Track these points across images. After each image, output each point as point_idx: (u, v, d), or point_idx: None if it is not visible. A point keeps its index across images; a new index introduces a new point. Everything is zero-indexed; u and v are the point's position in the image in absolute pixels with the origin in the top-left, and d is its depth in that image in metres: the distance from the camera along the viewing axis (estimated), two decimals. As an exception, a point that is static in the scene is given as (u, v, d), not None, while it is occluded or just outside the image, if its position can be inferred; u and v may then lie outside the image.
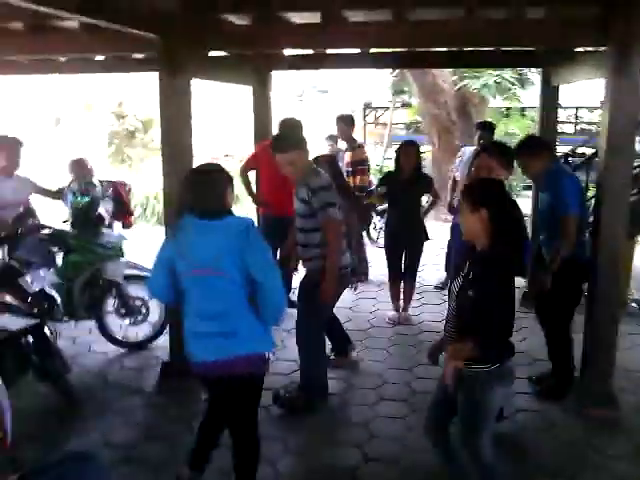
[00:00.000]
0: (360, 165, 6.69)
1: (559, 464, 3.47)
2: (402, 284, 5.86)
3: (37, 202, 5.77)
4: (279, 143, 3.89)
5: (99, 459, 2.45)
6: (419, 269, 5.97)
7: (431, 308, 6.08)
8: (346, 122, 6.88)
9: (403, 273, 5.81)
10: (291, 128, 5.31)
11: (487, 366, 2.57)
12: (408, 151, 5.62)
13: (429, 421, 2.93)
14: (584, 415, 3.96)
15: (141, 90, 15.46)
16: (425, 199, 6.38)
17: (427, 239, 5.83)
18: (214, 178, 2.74)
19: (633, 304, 6.11)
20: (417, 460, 3.47)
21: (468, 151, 6.42)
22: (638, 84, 3.69)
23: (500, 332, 2.53)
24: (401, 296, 5.88)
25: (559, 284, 3.97)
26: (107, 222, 5.16)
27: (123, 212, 5.90)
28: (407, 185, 5.55)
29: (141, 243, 7.82)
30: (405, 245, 5.72)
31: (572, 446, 3.66)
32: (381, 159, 13.98)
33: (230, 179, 2.79)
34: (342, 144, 7.57)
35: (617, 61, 3.63)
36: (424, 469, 3.37)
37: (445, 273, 6.67)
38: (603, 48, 3.91)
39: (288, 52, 6.31)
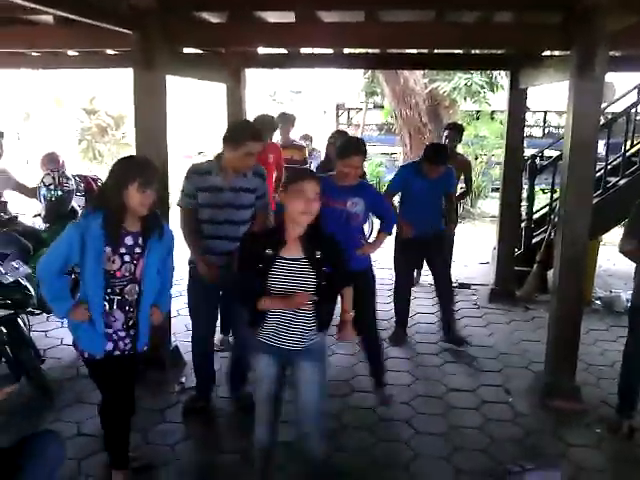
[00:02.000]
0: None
1: (524, 453, 3.57)
2: None
3: (9, 195, 5.71)
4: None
5: (57, 433, 2.57)
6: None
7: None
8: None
9: None
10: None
11: None
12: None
13: None
14: (549, 407, 4.08)
15: (113, 86, 15.35)
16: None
17: None
18: None
19: (597, 301, 6.31)
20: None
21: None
22: (600, 87, 3.82)
23: None
24: None
25: None
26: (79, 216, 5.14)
27: (95, 207, 5.90)
28: None
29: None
30: None
31: (537, 436, 3.78)
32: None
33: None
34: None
35: (580, 65, 3.75)
36: (392, 458, 3.48)
37: None
38: (568, 52, 4.04)
39: (262, 50, 6.37)
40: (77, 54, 6.21)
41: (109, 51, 6.03)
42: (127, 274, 2.84)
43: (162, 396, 4.14)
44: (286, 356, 2.79)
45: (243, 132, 3.59)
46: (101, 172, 10.59)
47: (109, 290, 2.82)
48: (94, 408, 3.90)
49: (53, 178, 5.01)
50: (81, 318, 2.81)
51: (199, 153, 12.52)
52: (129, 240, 2.83)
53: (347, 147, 3.86)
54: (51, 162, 5.37)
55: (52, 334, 5.17)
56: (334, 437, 3.57)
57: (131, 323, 2.93)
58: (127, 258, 2.83)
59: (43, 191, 5.02)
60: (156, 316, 3.04)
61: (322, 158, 6.96)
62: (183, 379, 4.31)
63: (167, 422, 3.83)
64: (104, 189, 2.89)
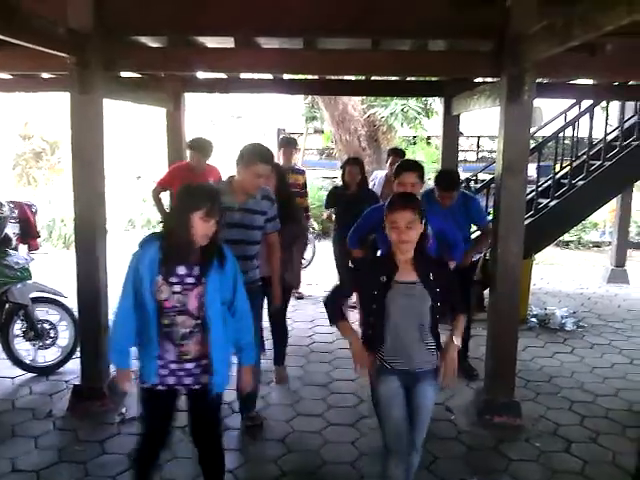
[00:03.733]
0: None
1: (467, 469, 3.63)
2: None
3: None
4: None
5: None
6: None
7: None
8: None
9: None
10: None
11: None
12: (352, 168, 5.87)
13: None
14: (489, 423, 4.16)
15: (47, 110, 14.97)
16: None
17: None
18: None
19: (532, 319, 6.52)
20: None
21: (379, 175, 6.73)
22: (529, 112, 4.00)
23: None
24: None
25: None
26: (13, 244, 4.99)
27: (29, 234, 5.74)
28: (353, 201, 5.74)
29: (47, 266, 7.58)
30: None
31: (478, 452, 3.85)
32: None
33: None
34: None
35: (509, 91, 3.90)
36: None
37: None
38: (498, 79, 4.22)
39: (202, 75, 6.38)
40: (11, 77, 6.06)
41: (44, 75, 5.92)
42: (178, 305, 2.69)
43: (102, 427, 4.02)
44: (408, 378, 2.84)
45: (253, 154, 3.67)
46: (36, 198, 10.33)
47: (159, 321, 2.70)
48: (30, 442, 3.81)
49: (-16, 205, 4.85)
50: (124, 383, 2.80)
51: (137, 177, 12.30)
52: (182, 270, 2.68)
53: (400, 165, 4.09)
54: (-17, 188, 5.20)
55: (-15, 367, 4.96)
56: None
57: (187, 358, 2.76)
58: (177, 288, 2.67)
59: (-25, 218, 4.85)
60: (246, 378, 2.93)
61: None
62: (123, 409, 4.20)
63: (108, 454, 3.71)
64: (169, 215, 2.80)
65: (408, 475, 2.94)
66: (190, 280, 2.69)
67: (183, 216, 2.63)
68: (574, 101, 7.20)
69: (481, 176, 9.14)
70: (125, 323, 2.73)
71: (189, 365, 2.77)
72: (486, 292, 4.87)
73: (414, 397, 2.87)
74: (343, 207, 5.75)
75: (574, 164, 7.29)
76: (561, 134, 7.43)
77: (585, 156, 7.24)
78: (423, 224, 2.78)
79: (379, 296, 2.77)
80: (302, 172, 7.09)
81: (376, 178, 6.75)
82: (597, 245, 11.66)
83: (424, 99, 10.24)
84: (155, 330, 2.68)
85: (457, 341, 2.89)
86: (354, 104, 10.39)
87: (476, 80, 5.84)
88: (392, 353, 2.81)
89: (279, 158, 6.96)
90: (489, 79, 5.36)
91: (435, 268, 2.85)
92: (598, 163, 7.14)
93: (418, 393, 2.86)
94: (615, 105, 8.17)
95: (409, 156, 12.49)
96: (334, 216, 6.43)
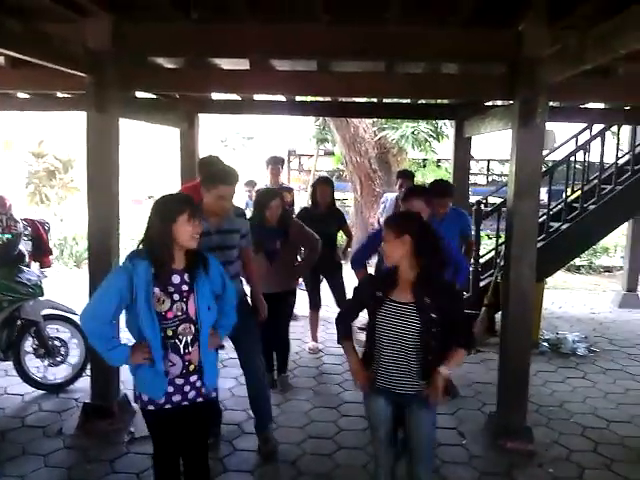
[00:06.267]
0: None
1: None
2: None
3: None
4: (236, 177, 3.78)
5: None
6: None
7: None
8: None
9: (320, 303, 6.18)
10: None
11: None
12: (323, 187, 5.92)
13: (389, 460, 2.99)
14: (501, 448, 4.11)
15: (61, 129, 15.16)
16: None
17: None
18: None
19: (544, 343, 6.46)
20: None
21: (390, 197, 6.73)
22: (542, 135, 4.00)
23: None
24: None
25: None
26: (26, 261, 5.02)
27: (42, 251, 5.78)
28: (323, 218, 5.81)
29: (59, 284, 7.62)
30: (324, 276, 6.04)
31: (491, 477, 3.80)
32: (306, 203, 14.21)
33: None
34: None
35: (522, 114, 3.92)
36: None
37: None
38: (510, 102, 4.24)
39: (216, 96, 6.45)
40: (27, 96, 6.15)
41: (60, 94, 6.00)
42: (179, 313, 2.73)
43: (112, 446, 4.00)
44: (398, 400, 2.83)
45: (215, 177, 3.60)
46: (48, 216, 10.41)
47: (162, 334, 2.71)
48: (40, 460, 3.80)
49: (0, 221, 4.90)
50: (142, 357, 2.71)
51: (149, 197, 12.39)
52: (176, 279, 2.73)
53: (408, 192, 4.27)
54: (-2, 205, 5.25)
55: (-5, 383, 4.97)
56: None
57: (191, 369, 2.79)
58: (176, 297, 2.72)
59: (-11, 234, 4.90)
60: (212, 339, 2.87)
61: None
62: (132, 428, 4.18)
63: (117, 473, 3.69)
64: (149, 228, 2.76)
65: None
66: (185, 287, 2.76)
67: (167, 225, 2.68)
68: (585, 125, 7.22)
69: (491, 199, 9.14)
70: (105, 330, 2.71)
71: (193, 378, 2.80)
72: (497, 315, 4.86)
73: (407, 422, 2.86)
74: (312, 226, 5.78)
75: (585, 188, 7.28)
76: (572, 158, 7.43)
77: (596, 180, 7.23)
78: (420, 247, 2.72)
79: (371, 311, 2.80)
80: (290, 189, 7.26)
81: (387, 200, 6.75)
82: (608, 270, 11.59)
83: (434, 122, 10.29)
84: (159, 342, 2.69)
85: (445, 371, 2.76)
86: (365, 126, 10.46)
87: (488, 103, 5.86)
88: (380, 372, 2.82)
89: (267, 176, 7.07)
90: (501, 102, 5.40)
91: (439, 293, 2.75)
92: (609, 187, 7.13)
93: (410, 419, 2.84)
94: (626, 129, 8.17)
95: (419, 179, 12.61)
96: None
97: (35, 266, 5.71)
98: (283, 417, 4.56)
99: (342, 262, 6.15)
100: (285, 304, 5.01)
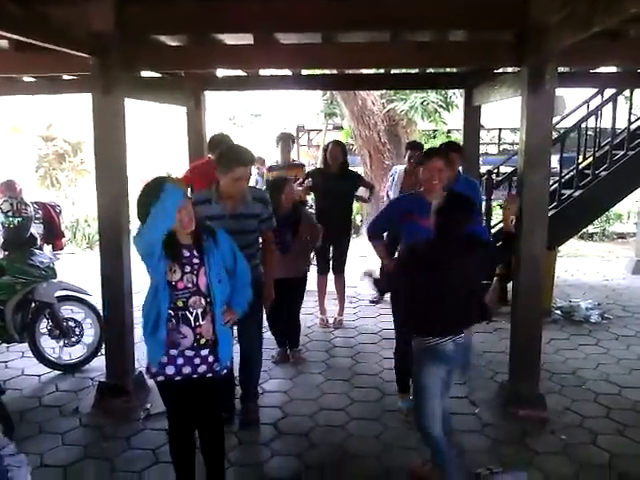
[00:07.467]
0: None
1: (493, 462, 3.58)
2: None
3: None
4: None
5: None
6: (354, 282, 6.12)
7: (367, 321, 6.23)
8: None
9: (330, 268, 6.14)
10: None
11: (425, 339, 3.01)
12: (333, 147, 5.91)
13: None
14: (514, 416, 4.13)
15: (70, 112, 15.17)
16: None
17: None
18: None
19: (557, 311, 6.45)
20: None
21: (398, 170, 6.68)
22: (551, 102, 3.95)
23: None
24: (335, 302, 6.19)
25: None
26: (38, 244, 5.07)
27: (54, 234, 5.83)
28: (334, 180, 5.77)
29: (72, 266, 7.69)
30: (332, 239, 5.89)
31: (504, 445, 3.82)
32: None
33: None
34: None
35: (531, 81, 3.87)
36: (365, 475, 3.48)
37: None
38: (519, 69, 4.18)
39: (221, 73, 6.41)
40: (33, 80, 6.14)
41: (65, 76, 5.98)
42: (190, 285, 2.78)
43: (127, 424, 4.06)
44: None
45: (230, 158, 3.57)
46: (59, 199, 10.49)
47: (172, 305, 2.76)
48: (57, 438, 3.88)
49: (11, 205, 4.94)
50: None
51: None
52: (186, 252, 2.81)
53: (427, 151, 4.11)
54: (8, 189, 5.30)
55: (13, 365, 5.06)
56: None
57: (202, 342, 2.84)
58: (187, 269, 2.78)
59: (1, 218, 4.94)
60: (227, 315, 2.93)
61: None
62: (148, 405, 4.24)
63: (133, 449, 3.75)
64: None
65: None
66: (196, 261, 2.81)
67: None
68: (596, 90, 7.10)
69: (503, 169, 9.05)
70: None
71: (204, 351, 2.85)
72: (509, 285, 4.84)
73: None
74: (323, 187, 5.71)
75: (597, 154, 7.19)
76: (583, 124, 7.32)
77: (608, 146, 7.13)
78: None
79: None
80: (301, 166, 7.14)
81: (395, 173, 6.70)
82: (621, 236, 11.51)
83: (444, 92, 10.17)
84: (165, 309, 2.75)
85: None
86: (373, 99, 10.35)
87: (497, 71, 5.78)
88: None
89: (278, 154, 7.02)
90: (510, 69, 5.32)
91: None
92: (621, 153, 7.03)
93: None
94: (639, 93, 8.03)
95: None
96: (312, 195, 6.44)
97: (48, 249, 5.76)
98: (296, 390, 4.61)
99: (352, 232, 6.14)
100: (295, 293, 5.00)
